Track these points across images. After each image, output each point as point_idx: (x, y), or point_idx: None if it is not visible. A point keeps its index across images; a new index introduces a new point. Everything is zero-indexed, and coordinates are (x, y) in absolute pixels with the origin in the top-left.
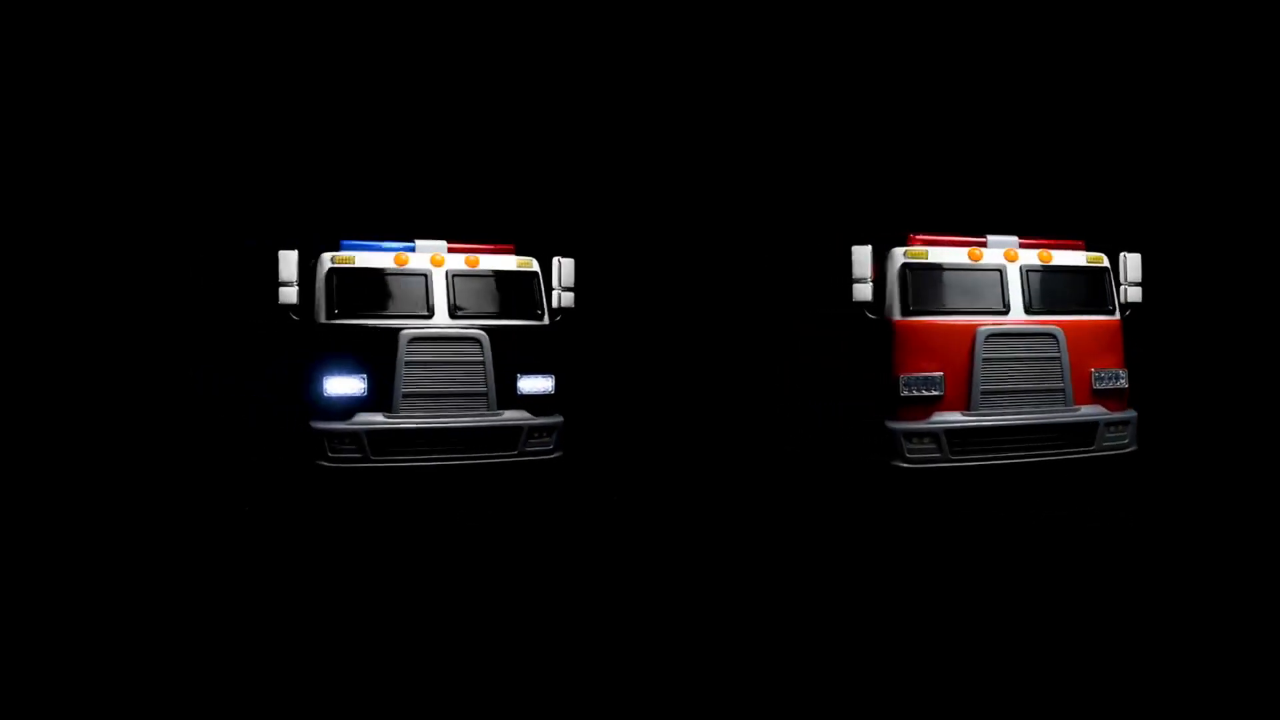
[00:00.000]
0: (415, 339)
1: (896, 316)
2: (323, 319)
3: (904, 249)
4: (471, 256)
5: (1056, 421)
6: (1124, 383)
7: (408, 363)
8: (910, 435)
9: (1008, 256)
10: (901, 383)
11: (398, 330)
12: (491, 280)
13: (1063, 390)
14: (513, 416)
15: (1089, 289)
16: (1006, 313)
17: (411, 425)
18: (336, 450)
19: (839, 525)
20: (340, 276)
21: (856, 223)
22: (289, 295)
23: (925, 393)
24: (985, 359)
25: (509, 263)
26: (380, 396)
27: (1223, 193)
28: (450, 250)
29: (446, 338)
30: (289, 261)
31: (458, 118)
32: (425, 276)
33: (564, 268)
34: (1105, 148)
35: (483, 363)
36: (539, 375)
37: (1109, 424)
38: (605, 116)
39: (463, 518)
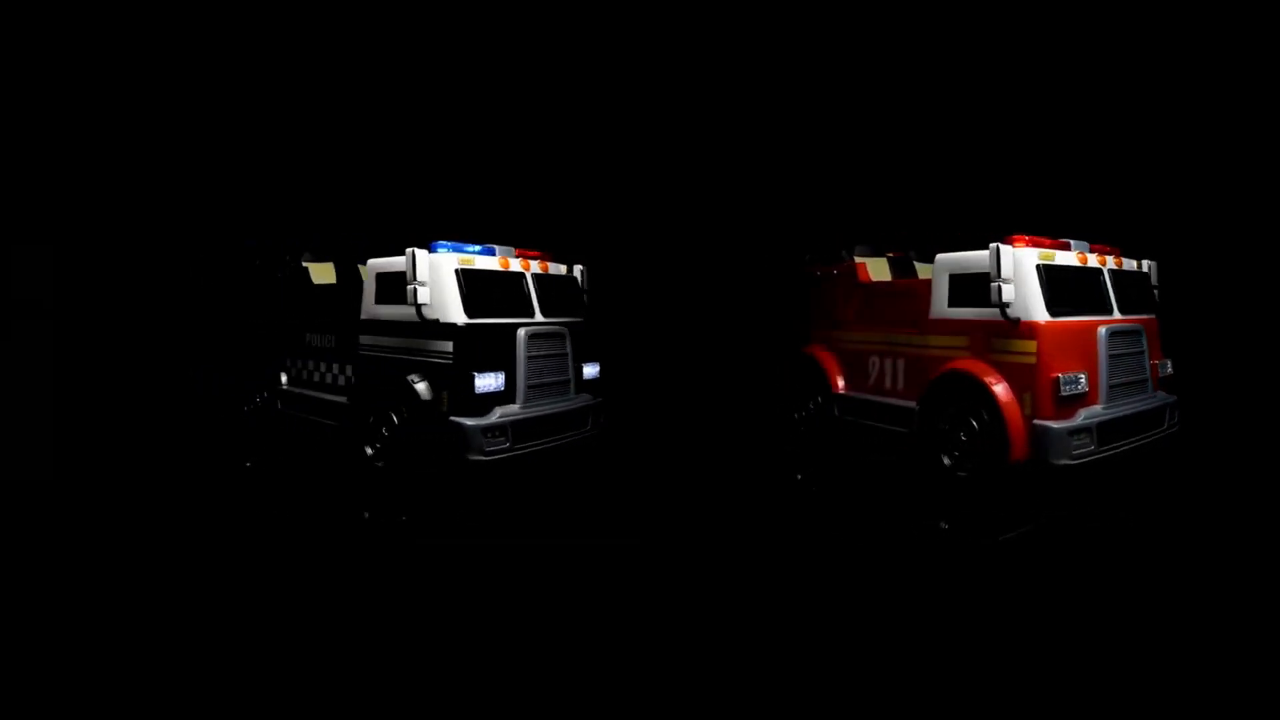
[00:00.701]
0: (532, 335)
1: (1041, 318)
2: (459, 319)
3: (1036, 251)
4: (542, 261)
5: (1150, 408)
6: (1171, 370)
7: (529, 357)
8: (1073, 432)
9: (1100, 261)
10: (1061, 382)
11: (516, 327)
12: (556, 282)
13: (1146, 380)
14: (585, 399)
15: (1140, 290)
16: (1110, 312)
17: (538, 414)
18: (490, 443)
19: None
20: (468, 278)
21: (846, 230)
22: (425, 295)
23: (1077, 390)
24: (1111, 355)
25: (561, 268)
26: (509, 390)
27: (1191, 200)
28: (517, 255)
29: (549, 334)
30: (425, 260)
31: (458, 127)
32: (523, 278)
33: (583, 274)
34: (1079, 153)
35: (567, 354)
36: (593, 363)
37: (1170, 407)
38: (607, 124)
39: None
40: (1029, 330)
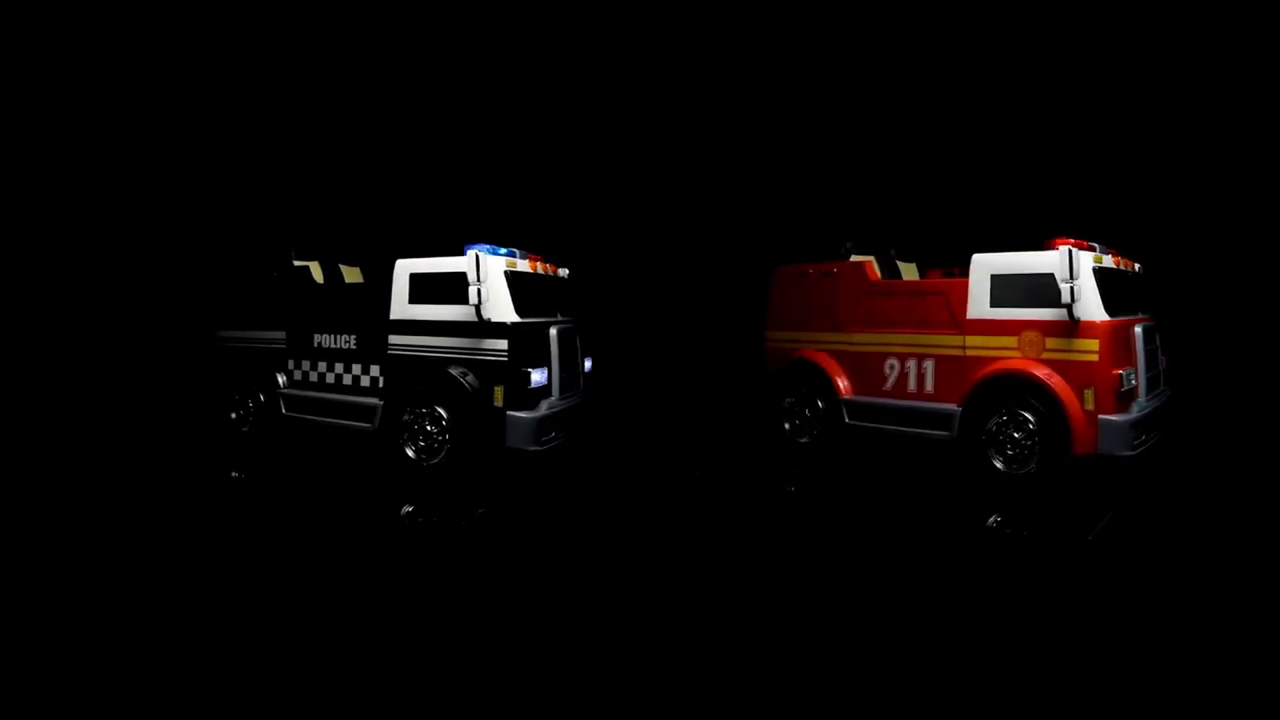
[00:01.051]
0: (561, 332)
1: (1101, 318)
2: (510, 318)
3: (1090, 255)
4: (551, 265)
5: (1165, 401)
6: (1168, 366)
7: (561, 353)
8: (1134, 425)
9: (1125, 264)
10: (1123, 378)
11: (548, 325)
12: (561, 284)
13: (1160, 375)
14: (588, 392)
15: (1144, 291)
16: (1137, 312)
17: (568, 405)
18: (543, 434)
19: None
20: (514, 279)
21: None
22: (483, 295)
23: (1131, 385)
24: (1146, 351)
25: (563, 272)
26: (548, 384)
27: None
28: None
29: (569, 331)
30: (484, 262)
31: (452, 129)
32: (546, 279)
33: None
34: (1056, 157)
35: (578, 350)
36: (588, 358)
37: (1170, 401)
38: (595, 125)
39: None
40: (1090, 330)
